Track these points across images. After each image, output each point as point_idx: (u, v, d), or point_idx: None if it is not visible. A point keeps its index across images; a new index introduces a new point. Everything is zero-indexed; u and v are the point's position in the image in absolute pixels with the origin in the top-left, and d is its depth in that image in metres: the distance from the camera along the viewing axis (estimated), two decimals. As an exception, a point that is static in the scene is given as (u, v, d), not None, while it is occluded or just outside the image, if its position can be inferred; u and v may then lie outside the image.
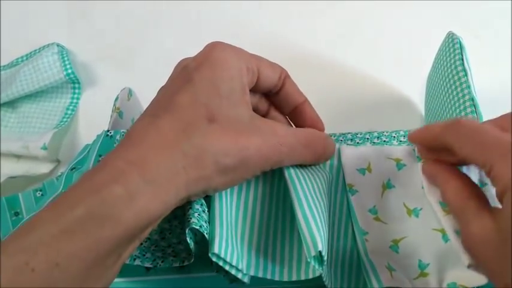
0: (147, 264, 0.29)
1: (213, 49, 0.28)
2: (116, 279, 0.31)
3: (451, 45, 0.37)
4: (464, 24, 0.54)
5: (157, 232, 0.30)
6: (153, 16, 0.60)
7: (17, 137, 0.51)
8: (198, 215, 0.27)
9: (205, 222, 0.27)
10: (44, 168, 0.49)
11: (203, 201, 0.29)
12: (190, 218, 0.27)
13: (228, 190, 0.30)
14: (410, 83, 0.50)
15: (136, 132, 0.26)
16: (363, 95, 0.51)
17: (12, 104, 0.54)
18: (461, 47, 0.36)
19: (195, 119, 0.26)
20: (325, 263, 0.25)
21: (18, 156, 0.50)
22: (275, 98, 0.32)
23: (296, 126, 0.33)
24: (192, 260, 0.28)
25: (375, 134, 0.33)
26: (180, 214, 0.31)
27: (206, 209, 0.28)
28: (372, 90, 0.51)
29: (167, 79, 0.30)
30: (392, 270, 0.28)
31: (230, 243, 0.27)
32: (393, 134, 0.33)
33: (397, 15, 0.56)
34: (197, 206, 0.28)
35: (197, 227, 0.26)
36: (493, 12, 0.54)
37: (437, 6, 0.56)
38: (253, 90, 0.31)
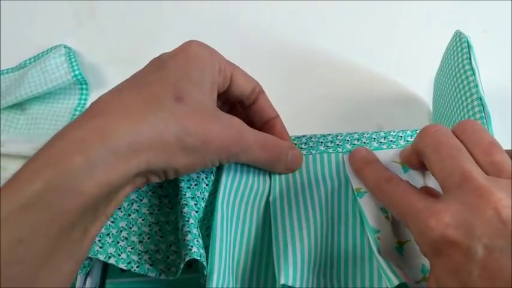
0: (122, 266, 0.28)
1: (190, 44, 0.29)
2: (123, 279, 0.31)
3: (458, 44, 0.36)
4: (472, 19, 0.53)
5: (135, 234, 0.30)
6: (161, 17, 0.60)
7: (26, 138, 0.51)
8: (197, 241, 0.27)
9: (203, 248, 0.28)
10: (53, 169, 0.50)
11: (196, 223, 0.29)
12: (192, 247, 0.27)
13: (229, 218, 0.30)
14: (419, 81, 0.50)
15: (99, 105, 0.26)
16: (371, 92, 0.51)
17: (21, 105, 0.55)
18: (468, 46, 0.36)
19: (162, 95, 0.26)
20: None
21: (27, 158, 0.50)
22: (248, 110, 0.33)
23: (260, 124, 0.34)
24: (172, 278, 0.28)
25: (382, 134, 0.33)
26: (162, 220, 0.31)
27: (199, 233, 0.29)
28: (380, 88, 0.51)
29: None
30: (401, 269, 0.28)
31: (227, 276, 0.28)
32: (400, 134, 0.33)
33: (405, 12, 0.56)
34: (194, 230, 0.28)
35: (198, 258, 0.26)
36: (501, 7, 0.54)
37: (445, 2, 0.55)
38: (225, 96, 0.31)
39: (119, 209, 0.30)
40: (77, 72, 0.53)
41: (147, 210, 0.31)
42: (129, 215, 0.30)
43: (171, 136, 0.25)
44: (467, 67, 0.35)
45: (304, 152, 0.33)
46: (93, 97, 0.55)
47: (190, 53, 0.28)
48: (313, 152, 0.33)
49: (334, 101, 0.50)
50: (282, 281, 0.26)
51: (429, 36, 0.53)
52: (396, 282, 0.25)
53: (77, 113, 0.54)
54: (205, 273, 0.27)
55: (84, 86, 0.55)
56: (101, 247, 0.28)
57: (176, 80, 0.27)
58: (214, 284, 0.26)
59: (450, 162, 0.25)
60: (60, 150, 0.23)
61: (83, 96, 0.55)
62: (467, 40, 0.36)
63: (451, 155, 0.25)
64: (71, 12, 0.61)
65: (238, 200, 0.31)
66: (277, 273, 0.27)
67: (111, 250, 0.29)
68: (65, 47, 0.56)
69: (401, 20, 0.56)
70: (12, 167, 0.49)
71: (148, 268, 0.29)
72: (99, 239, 0.29)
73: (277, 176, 0.32)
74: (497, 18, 0.54)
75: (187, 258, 0.26)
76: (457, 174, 0.24)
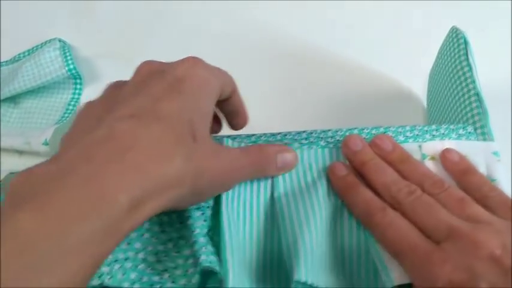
0: None
1: (196, 65, 0.28)
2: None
3: (455, 40, 0.37)
4: (469, 16, 0.53)
5: (152, 253, 0.29)
6: (156, 12, 0.59)
7: (18, 132, 0.51)
8: (205, 248, 0.27)
9: (213, 254, 0.27)
10: (46, 163, 0.49)
11: (204, 232, 0.29)
12: (200, 255, 0.27)
13: (235, 220, 0.30)
14: (413, 78, 0.50)
15: (126, 135, 0.24)
16: (365, 88, 0.51)
17: (14, 99, 0.54)
18: (465, 42, 0.36)
19: (183, 133, 0.26)
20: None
21: (20, 152, 0.50)
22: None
23: (226, 113, 0.33)
24: None
25: (381, 130, 0.33)
26: (174, 236, 0.31)
27: (208, 240, 0.29)
28: (374, 84, 0.51)
29: (132, 77, 0.28)
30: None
31: (242, 277, 0.28)
32: (399, 130, 0.33)
33: (400, 8, 0.56)
34: (201, 239, 0.28)
35: (208, 264, 0.26)
36: (498, 6, 0.54)
37: (441, 2, 0.55)
38: None
39: None
40: (71, 66, 0.53)
41: (159, 228, 0.30)
42: (143, 234, 0.30)
43: (188, 177, 0.25)
44: (464, 63, 0.35)
45: (305, 147, 0.33)
46: (87, 92, 0.55)
47: (199, 78, 0.27)
48: (314, 147, 0.33)
49: (330, 98, 0.50)
50: (296, 278, 0.26)
51: (424, 32, 0.53)
52: (393, 276, 0.26)
53: (70, 107, 0.53)
54: (220, 277, 0.27)
55: (78, 81, 0.55)
56: (123, 274, 0.27)
57: (191, 114, 0.26)
58: (230, 285, 0.26)
59: (433, 218, 0.26)
60: (103, 185, 0.22)
61: (77, 91, 0.55)
62: (464, 36, 0.36)
63: (430, 211, 0.27)
64: (67, 6, 0.61)
65: (242, 200, 0.31)
66: (290, 270, 0.27)
67: (133, 275, 0.28)
68: (60, 40, 0.56)
69: (396, 16, 0.55)
70: (5, 161, 0.49)
71: (170, 287, 0.28)
72: (120, 265, 0.28)
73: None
74: (495, 16, 0.54)
75: (199, 268, 0.26)
76: (443, 228, 0.26)
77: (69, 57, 0.53)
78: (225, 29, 0.57)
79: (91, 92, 0.55)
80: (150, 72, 0.28)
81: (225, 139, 0.32)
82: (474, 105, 0.33)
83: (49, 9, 0.61)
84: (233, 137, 0.34)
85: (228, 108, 0.33)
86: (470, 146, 0.32)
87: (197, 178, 0.26)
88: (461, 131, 0.33)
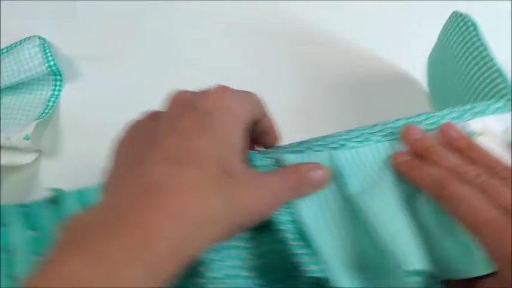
0: None
1: (224, 95, 0.28)
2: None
3: (461, 23, 0.37)
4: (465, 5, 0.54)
5: (251, 270, 0.30)
6: (140, 14, 0.59)
7: (-1, 128, 0.51)
8: (307, 259, 0.28)
9: (316, 264, 0.28)
10: (27, 158, 0.49)
11: (300, 244, 0.29)
12: (305, 266, 0.27)
13: (318, 224, 0.30)
14: (412, 63, 0.50)
15: (161, 181, 0.25)
16: (365, 72, 0.51)
17: (-8, 95, 0.54)
18: (473, 24, 0.36)
19: (217, 173, 0.26)
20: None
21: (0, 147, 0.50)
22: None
23: (256, 133, 0.33)
24: None
25: (424, 117, 0.33)
26: (266, 250, 0.31)
27: (307, 251, 0.29)
28: (374, 68, 0.51)
29: (166, 109, 0.28)
30: None
31: (349, 276, 0.28)
32: (440, 114, 0.33)
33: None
34: (299, 251, 0.28)
35: (314, 275, 0.27)
36: (497, 6, 0.55)
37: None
38: None
39: (228, 248, 0.30)
40: (51, 63, 0.53)
41: (251, 244, 0.31)
42: (240, 253, 0.30)
43: (226, 216, 0.25)
44: (477, 43, 0.35)
45: (360, 145, 0.33)
46: (66, 90, 0.54)
47: (228, 111, 0.28)
48: (370, 143, 0.33)
49: (329, 80, 0.50)
50: (409, 267, 0.26)
51: (423, 15, 0.53)
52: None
53: (50, 103, 0.53)
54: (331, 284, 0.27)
55: (58, 77, 0.54)
56: None
57: (222, 149, 0.26)
58: (343, 285, 0.27)
59: (504, 198, 0.27)
60: (143, 234, 0.23)
61: (57, 87, 0.54)
62: (471, 19, 0.37)
63: (499, 192, 0.27)
64: (50, 4, 0.60)
65: (316, 208, 0.31)
66: (396, 261, 0.27)
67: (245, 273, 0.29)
68: (40, 38, 0.55)
69: (394, 3, 0.56)
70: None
71: None
72: (233, 281, 0.29)
73: (345, 170, 0.32)
74: (495, 16, 0.53)
75: (308, 277, 0.27)
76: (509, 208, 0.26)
77: (49, 54, 0.53)
78: (215, 29, 0.57)
79: (72, 90, 0.55)
80: (182, 105, 0.28)
81: (285, 154, 0.32)
82: (498, 80, 0.33)
83: (32, 8, 0.60)
84: (286, 147, 0.33)
85: (258, 129, 0.33)
86: (507, 118, 0.33)
87: (236, 215, 0.26)
88: (492, 107, 0.33)
